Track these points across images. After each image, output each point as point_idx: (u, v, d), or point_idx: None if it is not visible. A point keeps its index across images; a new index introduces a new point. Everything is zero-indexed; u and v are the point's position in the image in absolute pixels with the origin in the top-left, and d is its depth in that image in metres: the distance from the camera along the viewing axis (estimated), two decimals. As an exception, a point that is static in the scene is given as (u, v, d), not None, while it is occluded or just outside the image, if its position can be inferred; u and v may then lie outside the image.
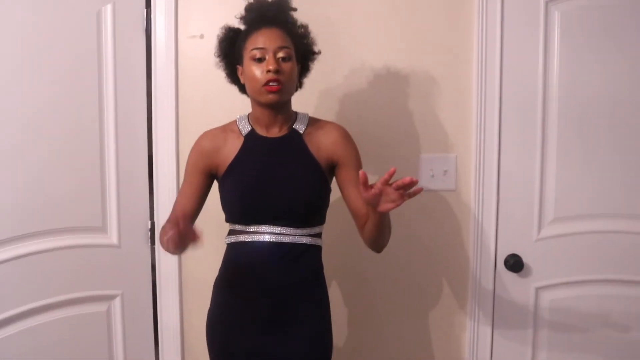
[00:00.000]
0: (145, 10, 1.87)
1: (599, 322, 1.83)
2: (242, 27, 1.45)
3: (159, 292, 1.92)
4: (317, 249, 1.46)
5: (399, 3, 1.82)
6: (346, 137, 1.46)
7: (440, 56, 1.82)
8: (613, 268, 1.81)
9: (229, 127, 1.48)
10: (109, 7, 1.81)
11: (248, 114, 1.49)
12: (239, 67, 1.43)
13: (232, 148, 1.44)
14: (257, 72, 1.35)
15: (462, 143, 1.84)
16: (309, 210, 1.41)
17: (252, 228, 1.41)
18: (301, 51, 1.45)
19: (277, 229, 1.39)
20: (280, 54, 1.35)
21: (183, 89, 1.87)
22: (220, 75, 1.84)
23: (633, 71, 1.76)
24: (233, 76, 1.49)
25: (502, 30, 1.77)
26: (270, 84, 1.33)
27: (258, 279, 1.40)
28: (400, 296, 1.90)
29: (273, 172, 1.40)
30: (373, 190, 1.20)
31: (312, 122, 1.48)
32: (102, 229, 1.85)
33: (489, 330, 1.86)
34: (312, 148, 1.43)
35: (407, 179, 1.17)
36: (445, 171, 1.84)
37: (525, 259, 1.82)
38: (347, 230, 1.75)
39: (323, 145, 1.44)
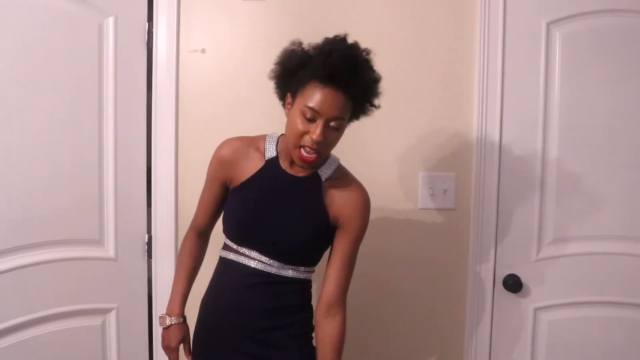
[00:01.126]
0: (147, 23, 1.87)
1: (597, 344, 1.82)
2: (310, 54, 1.29)
3: (154, 306, 1.91)
4: (305, 283, 1.41)
5: (401, 22, 1.82)
6: (366, 208, 1.37)
7: (442, 75, 1.82)
8: (612, 290, 1.81)
9: (255, 143, 1.40)
10: (110, 20, 1.81)
11: (279, 136, 1.40)
12: (289, 95, 1.31)
13: (250, 167, 1.38)
14: (300, 128, 1.24)
15: (462, 162, 1.83)
16: (301, 256, 1.37)
17: (242, 249, 1.38)
18: (359, 108, 1.32)
19: (265, 259, 1.36)
20: (332, 124, 1.23)
21: (183, 102, 1.87)
22: (220, 89, 1.85)
23: (634, 92, 1.77)
24: (281, 94, 1.37)
25: (504, 51, 1.78)
26: (306, 149, 1.25)
27: (240, 300, 1.37)
28: (396, 315, 1.88)
29: (279, 209, 1.35)
30: None
31: (340, 172, 1.39)
32: (99, 241, 1.84)
33: (486, 350, 1.85)
34: (328, 200, 1.35)
35: None
36: (445, 190, 1.83)
37: (524, 280, 1.81)
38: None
39: (338, 202, 1.35)
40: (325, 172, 1.36)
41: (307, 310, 1.43)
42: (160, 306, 1.89)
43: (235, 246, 1.39)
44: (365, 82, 1.27)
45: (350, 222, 1.35)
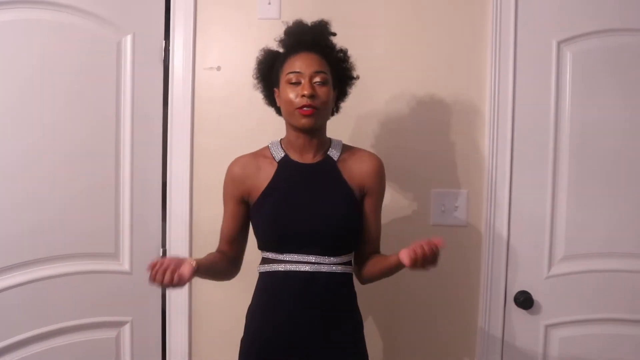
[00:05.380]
0: (163, 41, 1.90)
1: (608, 361, 1.82)
2: (280, 50, 1.46)
3: (168, 320, 1.93)
4: (350, 277, 1.46)
5: (413, 41, 1.85)
6: (381, 168, 1.48)
7: (454, 93, 1.84)
8: (624, 307, 1.81)
9: (261, 153, 1.48)
10: (128, 38, 1.85)
11: (280, 140, 1.49)
12: (276, 90, 1.44)
13: (266, 174, 1.43)
14: (292, 95, 1.36)
15: (474, 179, 1.85)
16: (344, 236, 1.41)
17: (286, 257, 1.39)
18: (339, 76, 1.45)
19: (313, 258, 1.38)
20: (317, 79, 1.36)
21: (198, 119, 1.90)
22: (235, 106, 1.87)
23: (645, 111, 1.78)
24: (270, 98, 1.50)
25: (515, 69, 1.80)
26: (305, 107, 1.34)
27: (293, 309, 1.39)
28: (407, 331, 1.89)
29: (308, 199, 1.40)
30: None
31: (346, 149, 1.49)
32: (115, 255, 1.87)
33: (497, 367, 1.85)
34: (346, 175, 1.44)
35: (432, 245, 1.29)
36: (457, 207, 1.84)
37: (535, 296, 1.81)
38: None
39: (357, 173, 1.44)
40: (334, 153, 1.46)
41: (357, 311, 1.48)
42: (174, 320, 1.91)
43: (277, 255, 1.40)
44: (327, 38, 1.43)
45: (373, 186, 1.46)
